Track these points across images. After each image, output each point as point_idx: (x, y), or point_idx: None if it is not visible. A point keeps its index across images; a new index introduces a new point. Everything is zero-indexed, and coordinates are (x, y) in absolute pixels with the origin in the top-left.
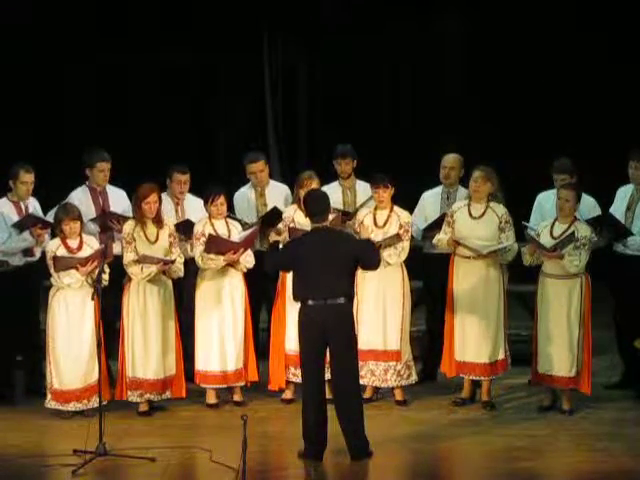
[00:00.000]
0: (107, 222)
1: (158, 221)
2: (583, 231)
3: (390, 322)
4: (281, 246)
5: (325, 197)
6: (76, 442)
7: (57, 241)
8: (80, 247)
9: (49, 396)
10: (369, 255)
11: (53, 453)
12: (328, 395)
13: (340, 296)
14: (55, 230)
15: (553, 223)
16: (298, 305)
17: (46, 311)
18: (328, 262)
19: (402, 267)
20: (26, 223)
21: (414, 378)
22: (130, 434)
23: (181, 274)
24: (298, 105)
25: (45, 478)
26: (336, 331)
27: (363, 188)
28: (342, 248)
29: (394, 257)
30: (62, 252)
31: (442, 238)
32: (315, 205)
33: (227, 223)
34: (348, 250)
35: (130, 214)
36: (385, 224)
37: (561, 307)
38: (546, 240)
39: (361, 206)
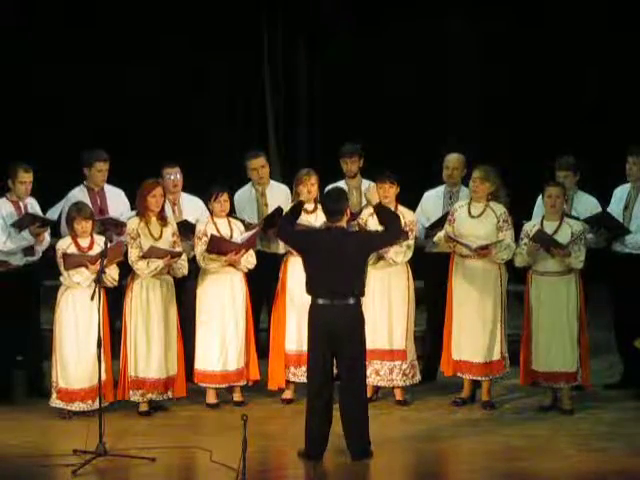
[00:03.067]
0: (106, 225)
1: (162, 218)
2: (577, 226)
3: (395, 321)
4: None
5: (344, 196)
6: (76, 442)
7: (68, 240)
8: (91, 246)
9: (54, 395)
10: (384, 235)
11: (53, 453)
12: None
13: (349, 297)
14: (66, 229)
15: (542, 221)
16: (298, 305)
17: (52, 310)
18: (339, 262)
19: (407, 266)
20: (25, 222)
21: (418, 377)
22: (130, 434)
23: (185, 272)
24: (298, 105)
25: (45, 478)
26: (345, 332)
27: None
28: (355, 248)
29: (400, 255)
30: (73, 251)
31: (441, 236)
32: (333, 204)
33: (229, 222)
34: (361, 250)
35: (127, 216)
36: None
37: (560, 304)
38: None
39: (366, 206)
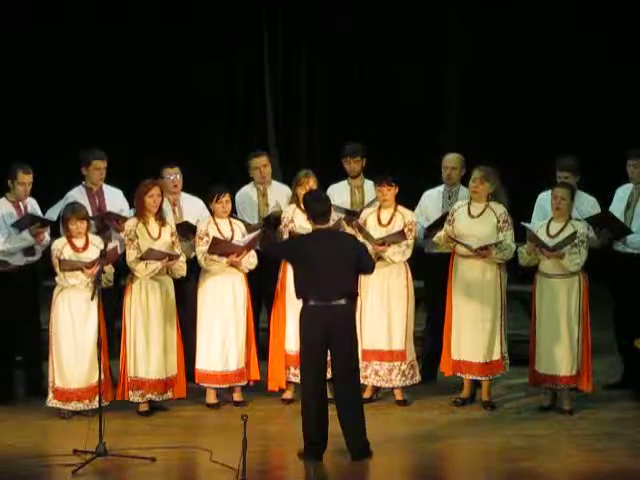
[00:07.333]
0: (105, 221)
1: (160, 218)
2: (580, 228)
3: (394, 322)
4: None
5: (326, 199)
6: (76, 442)
7: (63, 240)
8: (86, 247)
9: (51, 395)
10: (366, 259)
11: (53, 453)
12: (329, 395)
13: (342, 297)
14: (61, 228)
15: (549, 222)
16: (298, 305)
17: (49, 310)
18: (331, 263)
19: (406, 266)
20: (25, 222)
21: (418, 378)
22: (130, 434)
23: (184, 273)
24: (298, 105)
25: (45, 478)
26: (338, 332)
27: (371, 187)
28: (345, 249)
29: (398, 255)
30: (68, 251)
31: (441, 235)
32: (317, 207)
33: (231, 223)
34: (351, 251)
35: (126, 214)
36: (389, 223)
37: (561, 306)
38: (543, 239)
39: (367, 206)
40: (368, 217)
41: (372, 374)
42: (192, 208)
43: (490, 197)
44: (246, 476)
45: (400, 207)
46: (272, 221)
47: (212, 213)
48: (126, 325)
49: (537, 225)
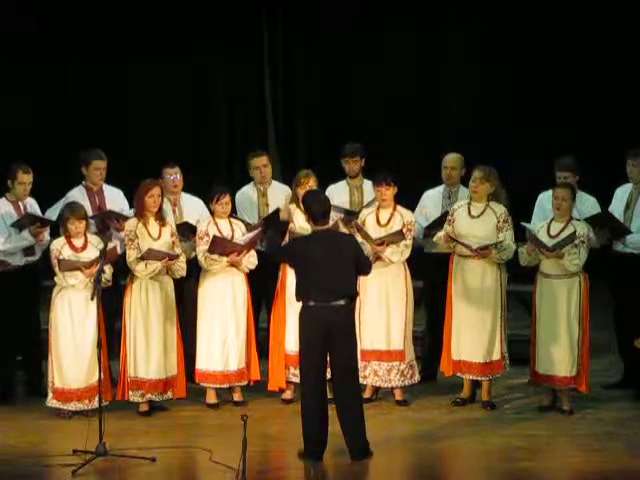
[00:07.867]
0: (106, 221)
1: (160, 218)
2: (580, 229)
3: (393, 322)
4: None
5: (326, 199)
6: (76, 442)
7: (62, 240)
8: (85, 247)
9: (50, 395)
10: (363, 260)
11: (53, 453)
12: (329, 395)
13: (342, 298)
14: (60, 228)
15: (550, 222)
16: (298, 305)
17: (48, 310)
18: (331, 263)
19: (405, 266)
20: (25, 222)
21: (417, 378)
22: (130, 434)
23: (183, 273)
24: (298, 105)
25: (45, 478)
26: (337, 332)
27: (370, 187)
28: (345, 249)
29: (397, 255)
30: (67, 251)
31: (441, 235)
32: (317, 208)
33: (231, 223)
34: (350, 251)
35: (127, 214)
36: (388, 223)
37: (560, 307)
38: (544, 240)
39: (366, 206)
40: (367, 217)
41: (371, 374)
42: (192, 208)
43: (490, 197)
44: (246, 476)
45: (399, 207)
46: (277, 220)
47: (212, 213)
48: (126, 325)
49: (538, 225)
